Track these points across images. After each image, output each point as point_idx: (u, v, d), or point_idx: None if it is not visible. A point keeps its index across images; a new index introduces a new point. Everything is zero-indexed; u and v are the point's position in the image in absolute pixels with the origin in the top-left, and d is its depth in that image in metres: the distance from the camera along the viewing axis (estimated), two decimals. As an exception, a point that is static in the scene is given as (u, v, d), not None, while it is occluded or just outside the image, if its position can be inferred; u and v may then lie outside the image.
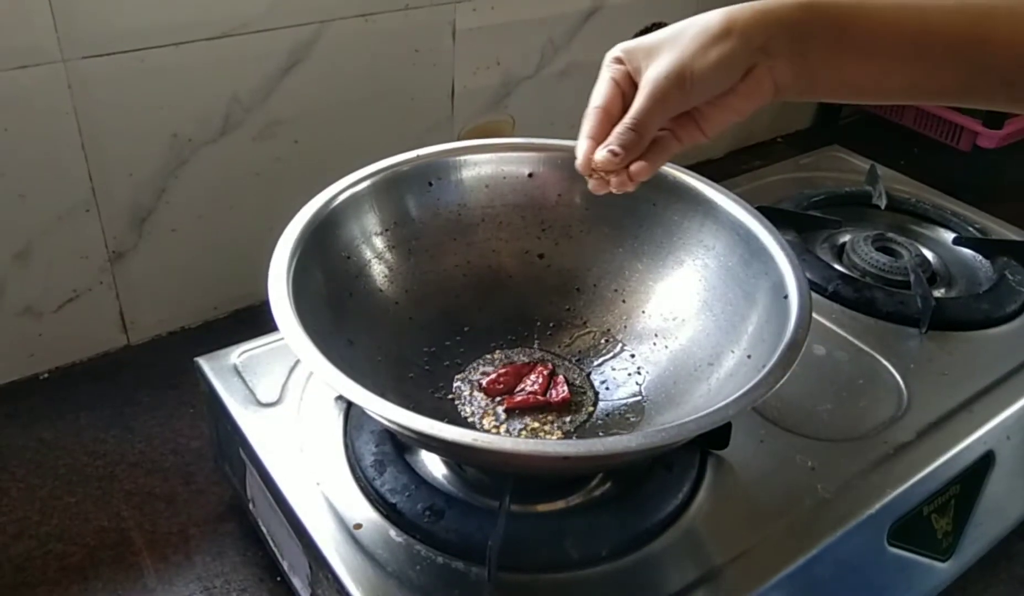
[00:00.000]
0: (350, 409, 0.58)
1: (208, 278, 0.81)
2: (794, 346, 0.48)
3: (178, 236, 0.77)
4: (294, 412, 0.59)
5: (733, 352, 0.55)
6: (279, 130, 0.79)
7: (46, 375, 0.76)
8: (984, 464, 0.62)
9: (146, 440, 0.70)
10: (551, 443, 0.49)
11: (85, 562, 0.60)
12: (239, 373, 0.61)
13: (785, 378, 0.45)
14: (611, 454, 0.42)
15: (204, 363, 0.62)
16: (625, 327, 0.62)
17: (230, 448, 0.60)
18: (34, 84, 0.65)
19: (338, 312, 0.56)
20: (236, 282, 0.82)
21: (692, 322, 0.59)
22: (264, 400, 0.59)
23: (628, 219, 0.63)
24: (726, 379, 0.54)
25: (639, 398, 0.59)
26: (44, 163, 0.68)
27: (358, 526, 0.51)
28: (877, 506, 0.55)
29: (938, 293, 0.76)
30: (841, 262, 0.79)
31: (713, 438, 0.56)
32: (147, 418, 0.72)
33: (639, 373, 0.60)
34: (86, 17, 0.65)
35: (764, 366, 0.47)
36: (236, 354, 0.63)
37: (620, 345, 0.62)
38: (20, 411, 0.72)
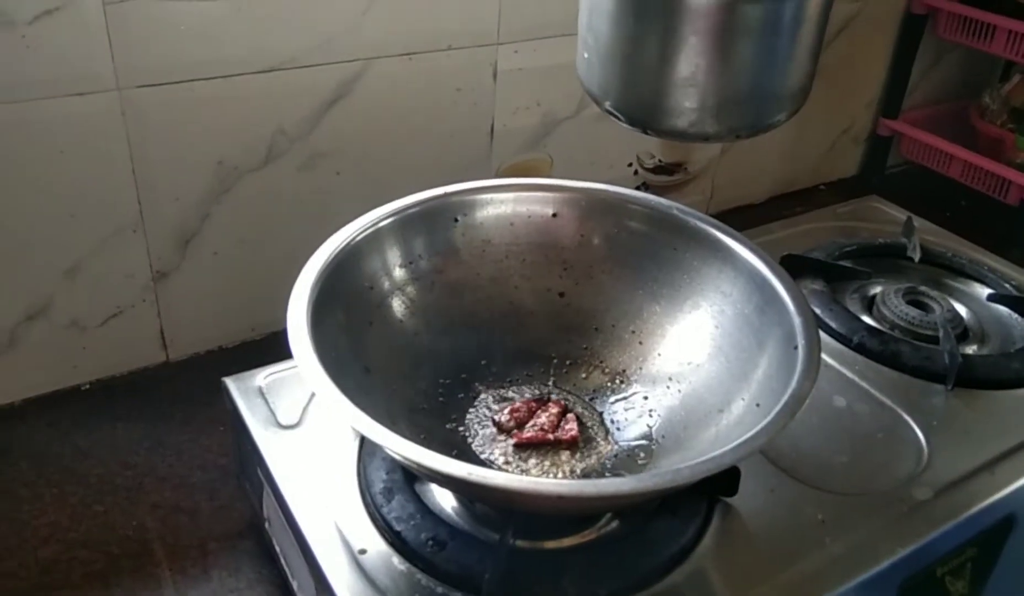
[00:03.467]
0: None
1: (247, 300, 0.84)
2: (798, 398, 0.48)
3: (220, 259, 0.80)
4: (312, 435, 0.60)
5: (743, 399, 0.55)
6: (321, 161, 0.81)
7: (87, 386, 0.79)
8: (1005, 528, 0.61)
9: (176, 454, 0.73)
10: (545, 482, 0.50)
11: (107, 570, 0.63)
12: (263, 394, 0.63)
13: (781, 430, 0.46)
14: (603, 496, 0.42)
15: (231, 383, 0.64)
16: (640, 369, 0.63)
17: (250, 467, 0.62)
18: (90, 110, 0.69)
19: (357, 339, 0.58)
20: (273, 305, 0.83)
21: (705, 367, 0.59)
22: (284, 422, 0.61)
23: (648, 262, 0.63)
24: (734, 426, 0.54)
25: (649, 441, 0.59)
26: (95, 185, 0.72)
27: (363, 551, 0.52)
28: (886, 563, 0.54)
29: (969, 350, 0.75)
30: (870, 314, 0.78)
31: (721, 485, 0.56)
32: (179, 433, 0.75)
33: (650, 415, 0.60)
34: (142, 49, 0.69)
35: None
36: (262, 376, 0.65)
37: (634, 386, 0.62)
38: (60, 419, 0.75)
